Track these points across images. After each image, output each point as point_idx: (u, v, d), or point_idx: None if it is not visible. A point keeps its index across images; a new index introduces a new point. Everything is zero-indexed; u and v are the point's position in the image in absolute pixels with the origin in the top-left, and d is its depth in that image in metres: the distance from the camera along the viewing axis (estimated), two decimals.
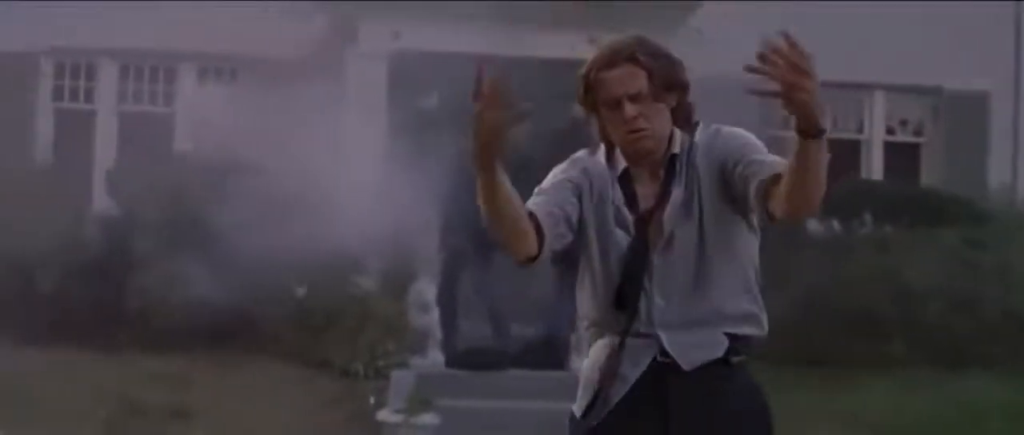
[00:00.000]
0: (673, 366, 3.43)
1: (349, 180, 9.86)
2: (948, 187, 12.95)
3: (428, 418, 9.27)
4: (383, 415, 9.40)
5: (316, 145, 9.96)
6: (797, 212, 3.21)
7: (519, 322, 10.34)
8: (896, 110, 14.03)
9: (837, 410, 9.81)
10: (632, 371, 3.46)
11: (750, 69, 2.94)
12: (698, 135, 3.49)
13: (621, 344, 3.47)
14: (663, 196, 3.46)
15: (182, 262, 10.12)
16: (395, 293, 10.68)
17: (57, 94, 12.95)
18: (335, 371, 10.18)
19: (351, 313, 10.42)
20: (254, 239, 9.36)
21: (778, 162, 3.28)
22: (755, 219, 3.45)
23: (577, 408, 3.56)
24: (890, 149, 13.95)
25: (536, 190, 3.51)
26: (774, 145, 3.53)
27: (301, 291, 10.44)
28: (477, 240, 9.25)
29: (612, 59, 3.42)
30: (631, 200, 3.49)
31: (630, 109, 3.39)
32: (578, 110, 3.55)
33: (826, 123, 3.01)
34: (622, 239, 3.48)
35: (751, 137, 3.46)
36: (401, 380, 9.78)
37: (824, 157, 3.05)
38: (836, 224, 11.83)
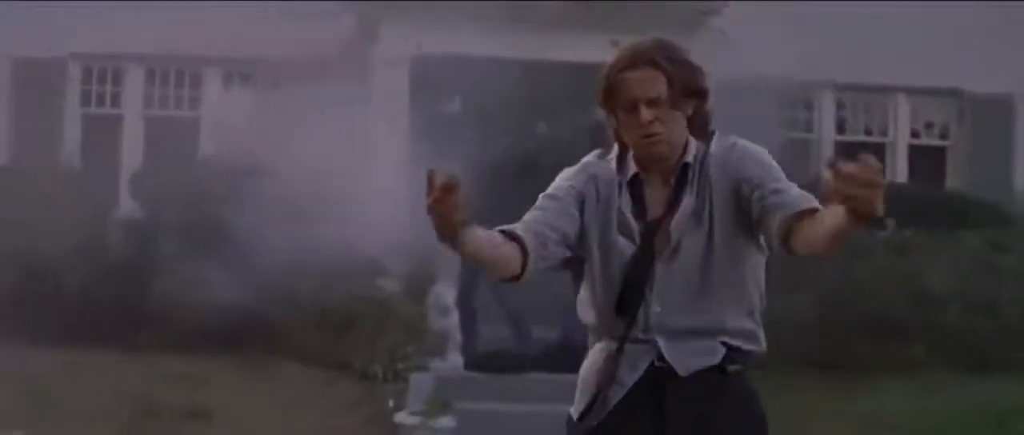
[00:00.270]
0: (670, 371, 3.43)
1: (371, 183, 9.91)
2: (973, 190, 12.89)
3: (446, 421, 9.29)
4: (401, 417, 9.41)
5: (338, 149, 10.02)
6: (817, 255, 3.22)
7: (539, 325, 10.34)
8: (921, 113, 13.97)
9: (857, 413, 9.76)
10: (630, 375, 3.48)
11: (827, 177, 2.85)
12: (713, 145, 3.46)
13: (619, 349, 3.49)
14: (673, 204, 3.44)
15: (204, 264, 10.17)
16: (415, 296, 10.67)
17: (84, 99, 13.08)
18: (355, 373, 10.21)
19: (371, 316, 10.44)
20: (276, 242, 9.42)
21: (803, 198, 3.25)
22: (764, 242, 3.44)
23: (574, 410, 3.60)
24: (915, 152, 13.90)
25: (542, 195, 3.53)
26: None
27: (321, 294, 10.47)
28: None
29: (633, 61, 3.40)
30: (639, 206, 3.48)
31: (646, 113, 3.36)
32: (600, 112, 3.53)
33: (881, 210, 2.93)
34: (624, 246, 3.47)
35: (768, 157, 3.42)
36: (420, 383, 9.79)
37: None
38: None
